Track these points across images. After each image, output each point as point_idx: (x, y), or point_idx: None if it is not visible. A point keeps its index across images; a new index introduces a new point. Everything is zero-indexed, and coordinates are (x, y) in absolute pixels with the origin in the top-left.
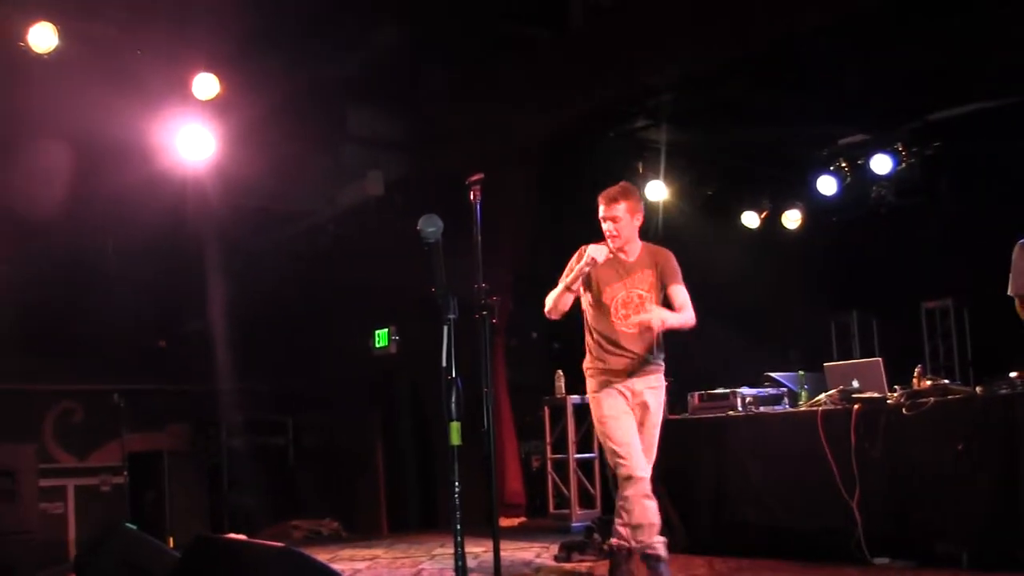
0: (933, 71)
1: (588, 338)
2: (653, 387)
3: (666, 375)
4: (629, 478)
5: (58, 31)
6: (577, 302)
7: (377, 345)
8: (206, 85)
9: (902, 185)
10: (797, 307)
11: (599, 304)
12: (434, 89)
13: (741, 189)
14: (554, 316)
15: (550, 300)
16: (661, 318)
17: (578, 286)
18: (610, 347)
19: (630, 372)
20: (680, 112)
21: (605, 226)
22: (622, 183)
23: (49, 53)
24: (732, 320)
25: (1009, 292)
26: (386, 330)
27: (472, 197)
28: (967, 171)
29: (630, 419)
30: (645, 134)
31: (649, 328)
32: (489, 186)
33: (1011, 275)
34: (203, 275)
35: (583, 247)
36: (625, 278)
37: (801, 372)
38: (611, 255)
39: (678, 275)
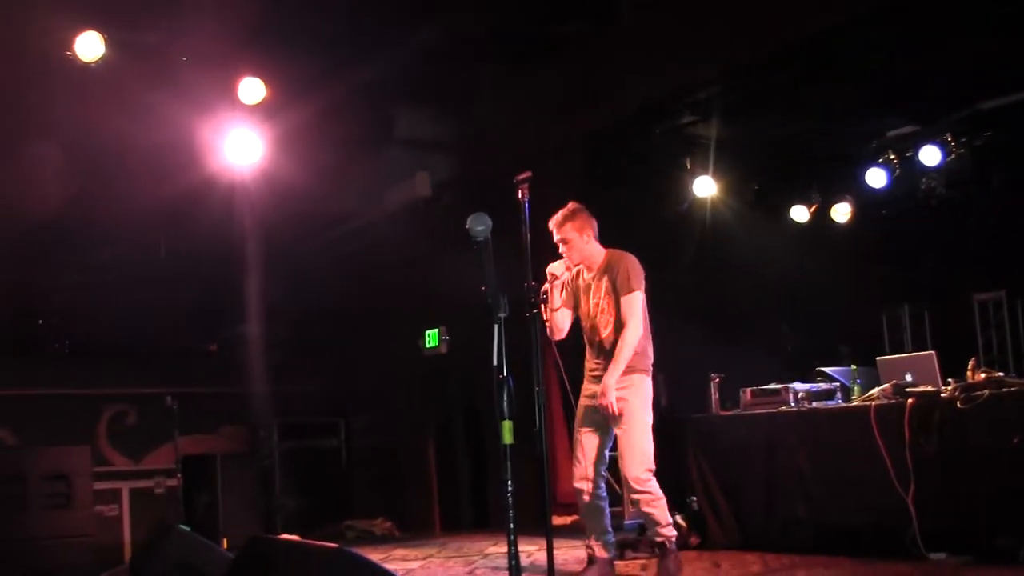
0: (981, 60)
1: None
2: (620, 388)
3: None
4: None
5: (105, 40)
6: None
7: (427, 345)
8: (252, 89)
9: (952, 176)
10: (848, 301)
11: (579, 317)
12: (480, 88)
13: (790, 183)
14: (556, 337)
15: (548, 326)
16: (609, 401)
17: (559, 304)
18: (588, 355)
19: (598, 375)
20: (727, 107)
21: (561, 249)
22: (569, 205)
23: (96, 62)
24: (783, 315)
25: None
26: (436, 330)
27: (520, 195)
28: (1018, 161)
29: (592, 438)
30: (692, 129)
31: (616, 341)
32: (536, 184)
33: None
34: (253, 278)
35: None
36: (590, 290)
37: (854, 367)
38: (569, 270)
39: (629, 283)
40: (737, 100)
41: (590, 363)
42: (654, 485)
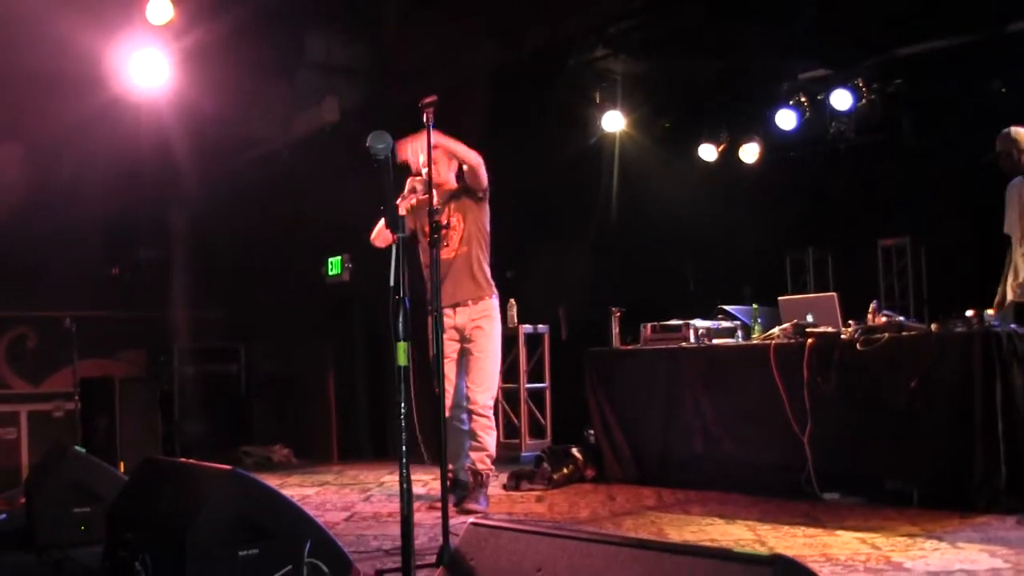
0: (895, 7)
1: None
2: (475, 318)
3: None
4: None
5: None
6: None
7: (330, 273)
8: (160, 9)
9: (862, 122)
10: (752, 241)
11: (422, 238)
12: (392, 15)
13: (699, 121)
14: (377, 243)
15: (375, 230)
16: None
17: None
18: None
19: (451, 303)
20: (639, 42)
21: (424, 172)
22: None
23: None
24: (687, 252)
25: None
26: (339, 258)
27: (425, 119)
28: (928, 109)
29: (450, 365)
30: (603, 63)
31: (465, 259)
32: (445, 113)
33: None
34: (158, 201)
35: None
36: (439, 212)
37: (755, 306)
38: (422, 185)
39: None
40: (650, 36)
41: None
42: (492, 413)
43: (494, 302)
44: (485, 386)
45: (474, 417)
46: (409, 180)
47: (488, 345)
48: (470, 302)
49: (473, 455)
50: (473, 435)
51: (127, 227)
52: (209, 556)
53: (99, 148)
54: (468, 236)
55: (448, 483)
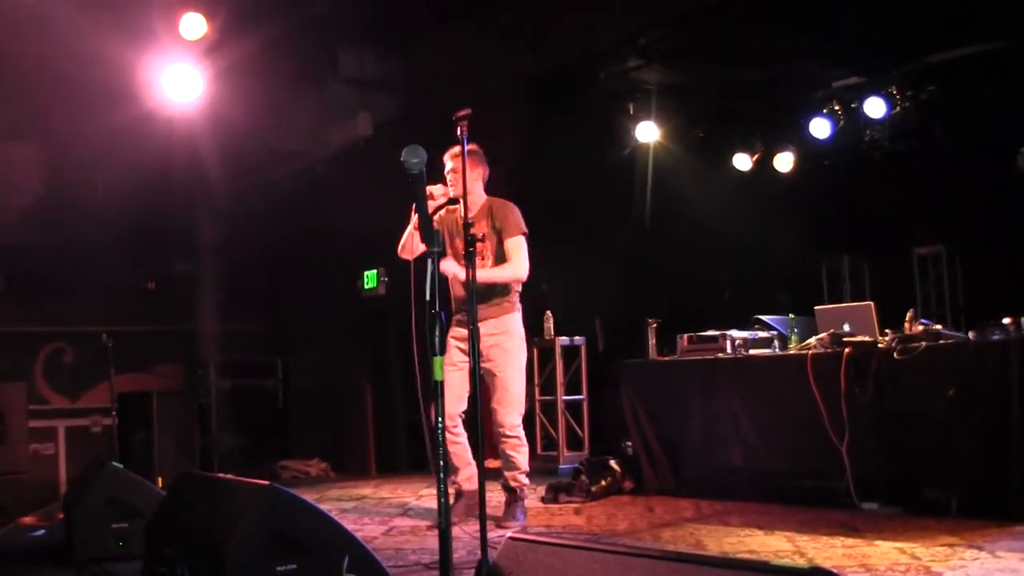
0: (928, 13)
1: None
2: (494, 334)
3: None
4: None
5: None
6: None
7: (366, 287)
8: (194, 25)
9: (896, 129)
10: (787, 251)
11: (449, 253)
12: (424, 28)
13: (733, 131)
14: (404, 256)
15: (402, 241)
16: (454, 271)
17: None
18: (454, 298)
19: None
20: (672, 52)
21: (449, 178)
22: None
23: None
24: (722, 262)
25: None
26: (375, 271)
27: (459, 132)
28: (962, 116)
29: (455, 376)
30: (636, 74)
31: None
32: (479, 126)
33: None
34: (192, 216)
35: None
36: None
37: (791, 315)
38: (446, 196)
39: (514, 228)
40: (683, 46)
41: (455, 307)
42: (522, 431)
43: (516, 316)
44: (512, 406)
45: (503, 438)
46: (428, 189)
47: (510, 363)
48: (489, 319)
49: (507, 474)
50: (505, 455)
51: (162, 241)
52: (247, 571)
53: (133, 162)
54: (497, 262)
55: (452, 498)
